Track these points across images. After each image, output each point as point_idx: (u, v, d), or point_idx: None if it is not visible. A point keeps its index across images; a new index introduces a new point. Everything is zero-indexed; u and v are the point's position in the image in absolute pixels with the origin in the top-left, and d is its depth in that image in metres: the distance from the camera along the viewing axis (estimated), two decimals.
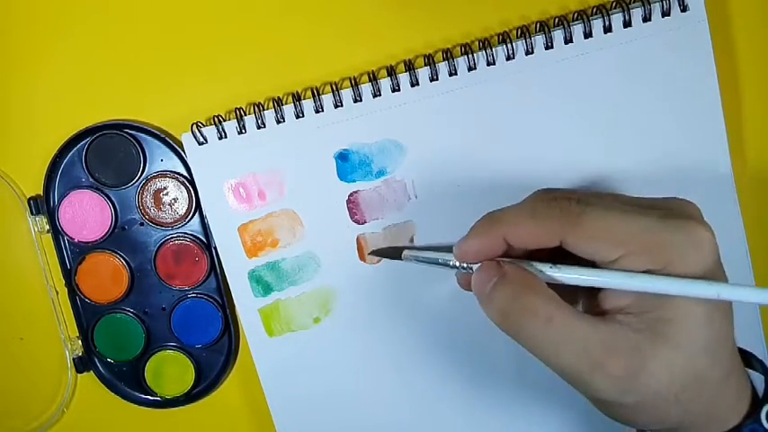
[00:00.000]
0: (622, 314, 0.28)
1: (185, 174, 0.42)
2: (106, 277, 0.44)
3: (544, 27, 0.38)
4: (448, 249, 0.33)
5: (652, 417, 0.29)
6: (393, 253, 0.38)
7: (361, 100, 0.39)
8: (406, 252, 0.37)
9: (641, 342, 0.27)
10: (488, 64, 0.39)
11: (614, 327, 0.28)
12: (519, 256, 0.31)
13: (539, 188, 0.31)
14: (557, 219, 0.29)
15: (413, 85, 0.39)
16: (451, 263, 0.33)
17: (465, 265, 0.32)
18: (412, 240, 0.41)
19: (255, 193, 0.41)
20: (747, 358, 0.31)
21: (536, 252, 0.31)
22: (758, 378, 0.31)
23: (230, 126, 0.40)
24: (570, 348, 0.28)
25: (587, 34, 0.38)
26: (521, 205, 0.31)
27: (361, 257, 0.41)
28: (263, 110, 0.40)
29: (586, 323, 0.28)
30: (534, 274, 0.30)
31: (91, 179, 0.43)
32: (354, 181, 0.41)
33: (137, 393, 0.45)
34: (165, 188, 0.43)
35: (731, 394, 0.29)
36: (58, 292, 0.45)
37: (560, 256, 0.30)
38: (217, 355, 0.44)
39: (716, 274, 0.28)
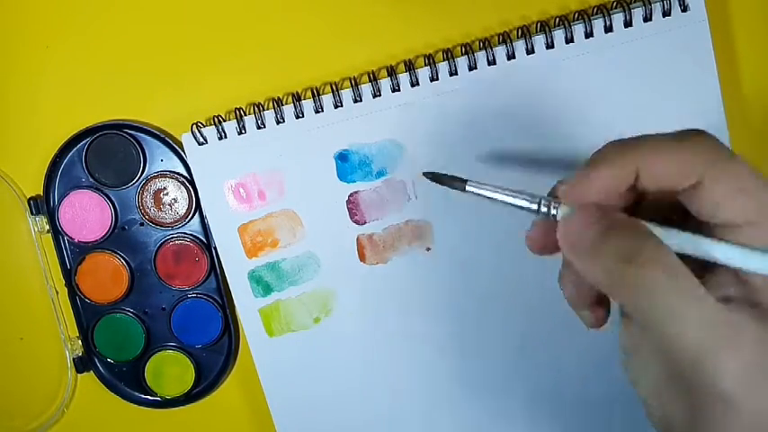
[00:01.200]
0: (737, 302, 0.24)
1: (185, 174, 0.42)
2: (106, 277, 0.44)
3: (545, 27, 0.38)
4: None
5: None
6: (450, 181, 0.30)
7: (361, 100, 0.39)
8: (471, 183, 0.30)
9: (762, 339, 0.23)
10: (489, 64, 0.39)
11: (735, 315, 0.23)
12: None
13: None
14: (707, 153, 0.24)
15: (413, 85, 0.39)
16: (530, 203, 0.28)
17: (549, 208, 0.27)
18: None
19: (255, 194, 0.41)
20: None
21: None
22: None
23: (230, 126, 0.40)
24: (700, 320, 0.22)
25: (588, 34, 0.38)
26: (654, 135, 0.26)
27: (361, 258, 0.41)
28: (263, 110, 0.40)
29: (712, 301, 0.23)
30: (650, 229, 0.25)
31: (91, 179, 0.43)
32: (354, 181, 0.41)
33: (137, 393, 0.45)
34: (164, 188, 0.43)
35: None
36: (57, 292, 0.45)
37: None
38: (217, 355, 0.44)
39: None
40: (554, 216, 0.27)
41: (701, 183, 0.24)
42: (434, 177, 0.31)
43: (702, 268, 0.24)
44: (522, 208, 0.28)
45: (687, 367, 0.23)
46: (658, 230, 0.24)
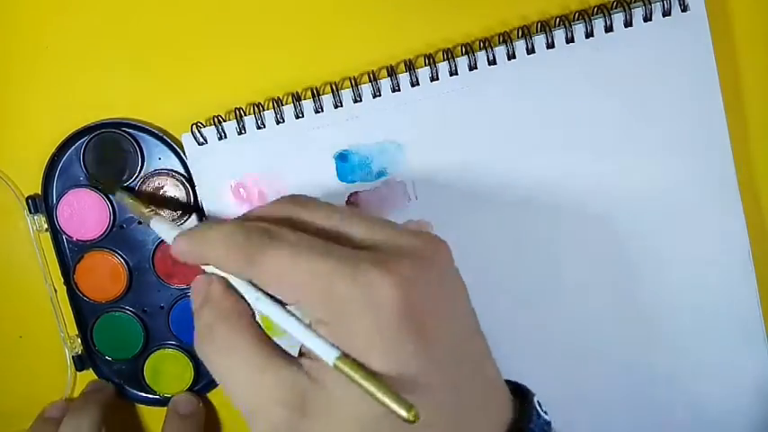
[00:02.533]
0: (308, 358, 0.26)
1: (183, 172, 0.42)
2: (105, 276, 0.44)
3: (545, 27, 0.38)
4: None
5: None
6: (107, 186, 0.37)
7: (361, 100, 0.39)
8: (120, 193, 0.38)
9: (308, 394, 0.25)
10: (489, 63, 0.38)
11: (292, 371, 0.26)
12: None
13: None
14: (242, 250, 0.27)
15: (413, 85, 0.39)
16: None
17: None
18: None
19: (255, 194, 0.41)
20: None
21: None
22: None
23: (230, 126, 0.40)
24: (244, 390, 0.26)
25: (588, 34, 0.38)
26: (222, 228, 0.28)
27: None
28: (263, 110, 0.40)
29: (273, 363, 0.26)
30: (241, 298, 0.28)
31: (89, 178, 0.43)
32: (354, 182, 0.40)
33: (136, 392, 0.45)
34: (162, 186, 0.42)
35: None
36: (56, 291, 0.45)
37: None
38: None
39: (389, 345, 0.24)
40: None
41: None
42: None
43: None
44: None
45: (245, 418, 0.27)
46: (254, 295, 0.27)
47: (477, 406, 0.27)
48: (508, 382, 0.30)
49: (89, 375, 0.46)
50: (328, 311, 0.25)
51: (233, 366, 0.27)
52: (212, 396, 0.45)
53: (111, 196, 0.42)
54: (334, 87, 0.39)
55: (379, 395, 0.23)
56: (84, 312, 0.44)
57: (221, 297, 0.28)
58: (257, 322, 0.28)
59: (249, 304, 0.28)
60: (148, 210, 0.37)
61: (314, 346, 0.25)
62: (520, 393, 0.30)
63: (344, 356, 0.24)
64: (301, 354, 0.27)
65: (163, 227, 0.34)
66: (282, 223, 0.28)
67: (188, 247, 0.29)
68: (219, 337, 0.27)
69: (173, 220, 0.42)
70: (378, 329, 0.24)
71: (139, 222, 0.43)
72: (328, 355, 0.24)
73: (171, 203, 0.43)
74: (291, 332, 0.26)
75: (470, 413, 0.26)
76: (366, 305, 0.24)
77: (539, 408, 0.29)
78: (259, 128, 0.40)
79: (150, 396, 0.45)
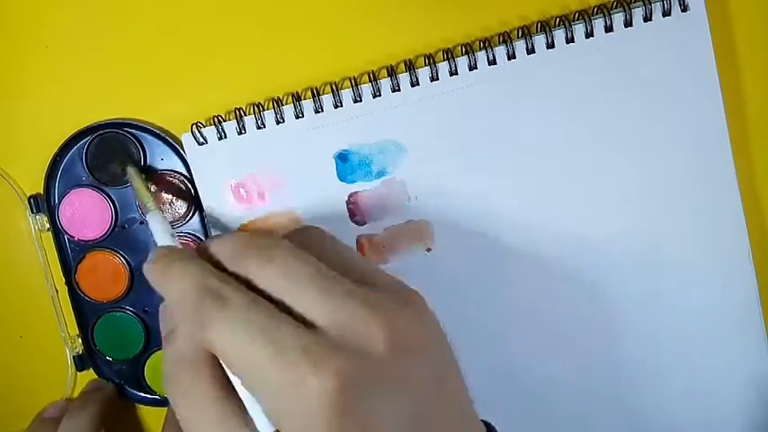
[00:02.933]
0: None
1: (185, 173, 0.42)
2: (106, 276, 0.44)
3: (545, 27, 0.38)
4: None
5: None
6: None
7: (361, 100, 0.39)
8: (131, 169, 0.40)
9: None
10: (489, 63, 0.38)
11: None
12: None
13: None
14: (194, 312, 0.26)
15: (413, 85, 0.39)
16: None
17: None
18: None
19: (255, 194, 0.41)
20: None
21: None
22: None
23: (230, 126, 0.40)
24: None
25: (588, 34, 0.38)
26: (180, 276, 0.28)
27: None
28: (263, 110, 0.40)
29: (229, 422, 0.26)
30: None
31: (91, 178, 0.43)
32: (354, 182, 0.40)
33: (136, 392, 0.45)
34: (165, 187, 0.43)
35: None
36: (57, 291, 0.45)
37: None
38: None
39: None
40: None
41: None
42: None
43: None
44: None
45: None
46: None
47: None
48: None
49: (90, 375, 0.46)
50: (266, 392, 0.25)
51: (191, 415, 0.27)
52: None
53: (124, 170, 0.41)
54: (334, 87, 0.40)
55: None
56: (85, 312, 0.44)
57: (187, 350, 0.28)
58: (223, 372, 0.28)
59: None
60: (151, 201, 0.36)
61: (255, 417, 0.26)
62: None
63: None
64: None
65: (156, 226, 0.34)
66: (255, 264, 0.27)
67: (151, 277, 0.29)
68: (184, 381, 0.27)
69: (176, 220, 0.42)
70: (311, 421, 0.24)
71: (141, 223, 0.43)
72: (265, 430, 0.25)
73: (173, 204, 0.43)
74: (241, 396, 0.27)
75: None
76: (297, 398, 0.24)
77: None
78: (259, 128, 0.40)
79: (151, 396, 0.45)
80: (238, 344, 0.25)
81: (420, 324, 0.28)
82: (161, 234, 0.34)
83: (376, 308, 0.26)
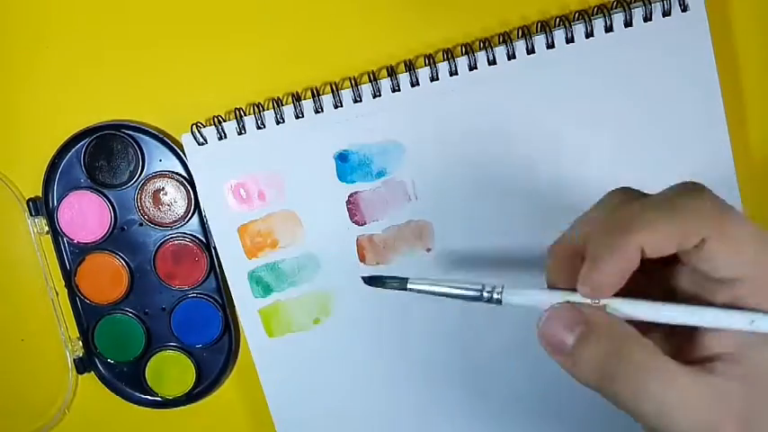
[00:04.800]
0: (723, 362, 0.24)
1: (184, 174, 0.42)
2: (106, 278, 0.44)
3: (545, 27, 0.38)
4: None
5: None
6: (391, 282, 0.30)
7: (361, 100, 0.39)
8: (412, 281, 0.29)
9: (752, 396, 0.24)
10: (489, 64, 0.38)
11: (720, 380, 0.24)
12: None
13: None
14: (705, 219, 0.24)
15: (413, 85, 0.39)
16: (473, 292, 0.28)
17: (492, 294, 0.27)
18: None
19: (255, 194, 0.41)
20: None
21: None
22: None
23: (230, 126, 0.40)
24: (687, 412, 0.23)
25: (588, 34, 0.38)
26: (650, 203, 0.26)
27: (362, 258, 0.41)
28: (263, 110, 0.40)
29: (693, 378, 0.24)
30: (620, 318, 0.25)
31: (90, 180, 0.43)
32: (354, 182, 0.40)
33: (137, 394, 0.45)
34: (163, 188, 0.42)
35: None
36: (58, 293, 0.45)
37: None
38: (217, 355, 0.44)
39: None
40: (498, 300, 0.27)
41: (700, 246, 0.24)
42: (373, 281, 0.30)
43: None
44: (466, 297, 0.28)
45: None
46: (641, 307, 0.25)
47: None
48: None
49: (90, 378, 0.45)
50: None
51: (671, 392, 0.24)
52: (213, 397, 0.45)
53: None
54: (334, 87, 0.39)
55: None
56: (86, 315, 0.44)
57: (611, 323, 0.25)
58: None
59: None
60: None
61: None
62: None
63: None
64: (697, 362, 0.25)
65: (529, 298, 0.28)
66: None
67: (618, 261, 0.25)
68: (633, 363, 0.24)
69: (174, 221, 0.42)
70: None
71: (140, 224, 0.43)
72: None
73: (172, 205, 0.43)
74: (744, 326, 0.24)
75: None
76: None
77: None
78: (259, 128, 0.40)
79: (152, 398, 0.45)
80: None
81: None
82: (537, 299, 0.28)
83: None
